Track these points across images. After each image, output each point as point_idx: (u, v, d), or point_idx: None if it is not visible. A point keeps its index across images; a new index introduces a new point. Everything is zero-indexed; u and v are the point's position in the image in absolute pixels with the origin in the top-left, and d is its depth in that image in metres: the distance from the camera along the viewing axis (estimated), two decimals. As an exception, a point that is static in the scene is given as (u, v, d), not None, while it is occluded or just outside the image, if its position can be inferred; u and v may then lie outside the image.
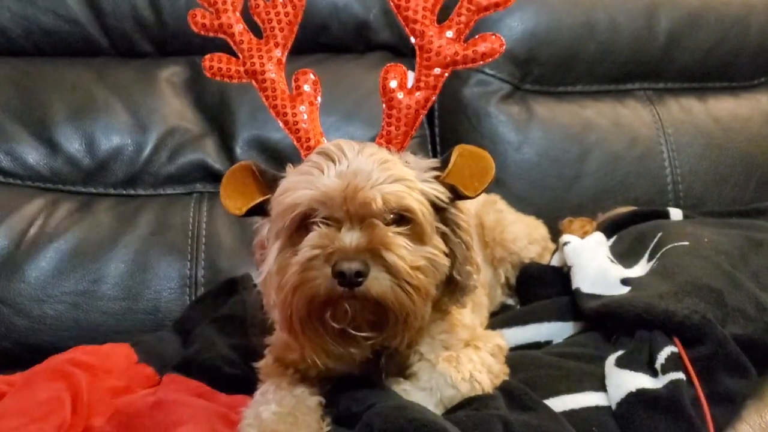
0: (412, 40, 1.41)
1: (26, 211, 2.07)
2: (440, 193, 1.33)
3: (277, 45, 1.46)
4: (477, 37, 1.39)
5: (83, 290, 2.00)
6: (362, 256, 1.22)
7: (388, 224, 1.27)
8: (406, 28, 1.41)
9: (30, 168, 2.14)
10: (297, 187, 1.29)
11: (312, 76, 1.46)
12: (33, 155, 2.15)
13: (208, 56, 1.49)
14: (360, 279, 1.21)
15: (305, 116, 1.43)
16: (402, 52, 2.46)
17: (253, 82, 1.47)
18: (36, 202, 2.10)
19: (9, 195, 2.09)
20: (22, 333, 1.96)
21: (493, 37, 1.38)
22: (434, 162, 1.37)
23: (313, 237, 1.25)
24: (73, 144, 2.17)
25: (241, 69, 1.47)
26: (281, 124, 1.44)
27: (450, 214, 1.37)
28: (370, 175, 1.26)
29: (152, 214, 2.13)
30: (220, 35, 1.49)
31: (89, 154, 2.18)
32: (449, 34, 1.39)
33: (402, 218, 1.28)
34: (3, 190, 2.10)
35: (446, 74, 1.40)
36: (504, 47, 1.38)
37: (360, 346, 1.31)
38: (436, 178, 1.34)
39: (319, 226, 1.26)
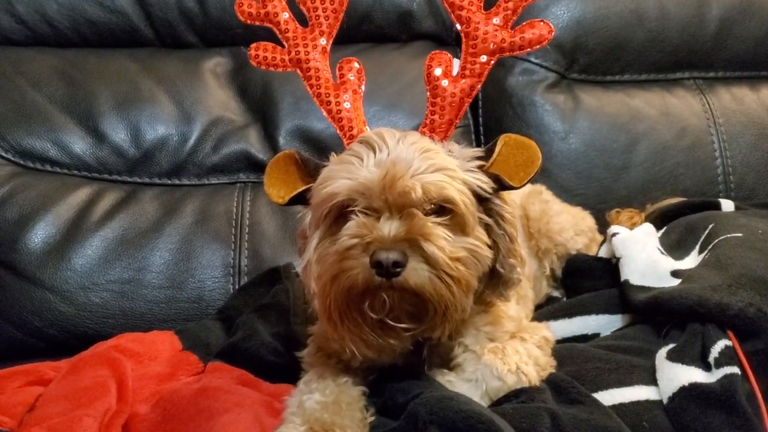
0: (458, 26, 1.39)
1: (73, 200, 2.09)
2: (483, 183, 1.31)
3: (322, 33, 1.45)
4: (525, 23, 1.37)
5: (128, 278, 2.02)
6: (401, 246, 1.21)
7: (428, 214, 1.25)
8: (452, 15, 1.39)
9: (77, 157, 2.16)
10: (336, 177, 1.28)
11: (356, 65, 1.46)
12: (80, 145, 2.17)
13: (253, 45, 1.49)
14: (398, 269, 1.20)
15: (348, 105, 1.42)
16: (446, 41, 2.45)
17: (298, 70, 1.46)
18: (82, 191, 2.12)
19: (56, 184, 2.11)
20: (68, 320, 1.98)
21: (542, 23, 1.37)
22: (478, 151, 1.35)
23: (351, 226, 1.24)
24: (118, 134, 2.19)
25: (286, 58, 1.47)
26: (324, 113, 1.44)
27: (494, 205, 1.34)
28: (410, 164, 1.25)
29: (196, 204, 2.15)
30: (266, 24, 1.49)
31: (135, 144, 2.19)
32: (496, 20, 1.37)
33: (443, 208, 1.26)
34: (50, 179, 2.12)
35: (492, 62, 1.38)
36: (553, 34, 1.37)
37: (399, 337, 1.29)
38: (480, 167, 1.32)
39: (357, 216, 1.25)
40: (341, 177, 1.27)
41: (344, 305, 1.26)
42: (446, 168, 1.27)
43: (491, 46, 1.36)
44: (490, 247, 1.32)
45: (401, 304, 1.24)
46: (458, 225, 1.27)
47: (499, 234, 1.34)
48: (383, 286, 1.22)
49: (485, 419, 1.16)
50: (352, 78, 1.45)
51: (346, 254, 1.23)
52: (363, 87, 1.46)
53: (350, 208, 1.27)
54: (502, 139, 1.34)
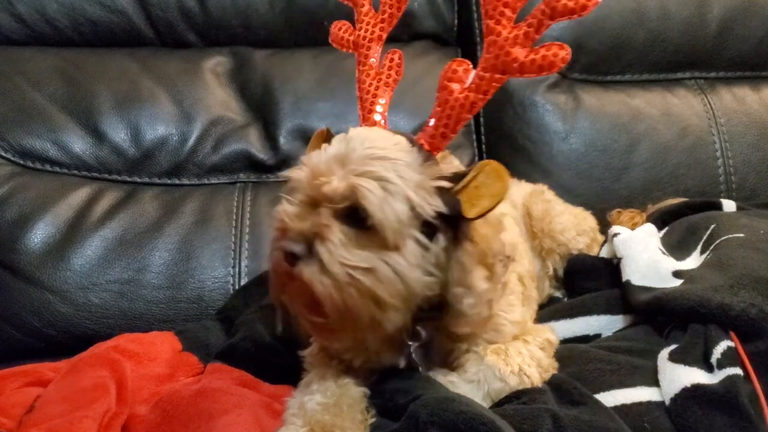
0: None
1: (72, 199, 2.09)
2: (430, 205, 1.24)
3: (383, 21, 1.45)
4: (541, 46, 1.24)
5: (128, 279, 2.01)
6: (303, 239, 1.22)
7: (346, 220, 1.23)
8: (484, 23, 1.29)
9: (76, 157, 2.15)
10: (301, 162, 1.31)
11: (397, 58, 1.45)
12: (79, 144, 2.16)
13: (335, 22, 1.50)
14: (296, 260, 1.22)
15: (383, 101, 1.43)
16: (447, 41, 2.46)
17: (356, 54, 1.46)
18: (82, 191, 2.11)
19: (55, 184, 2.11)
20: (67, 321, 1.97)
21: (558, 48, 1.22)
22: (448, 173, 1.28)
23: (278, 210, 1.28)
24: (118, 134, 2.18)
25: (351, 39, 1.47)
26: (359, 101, 1.44)
27: (460, 232, 1.28)
28: (347, 166, 1.23)
29: (196, 204, 2.14)
30: (348, 3, 1.50)
31: (134, 143, 2.19)
32: (515, 37, 1.25)
33: (365, 218, 1.23)
34: (50, 178, 2.12)
35: (503, 80, 1.27)
36: (566, 61, 1.23)
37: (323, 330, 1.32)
38: (450, 189, 1.26)
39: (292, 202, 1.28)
40: (299, 164, 1.30)
41: (275, 286, 1.30)
42: (384, 179, 1.23)
43: (502, 65, 1.26)
44: (433, 273, 1.28)
45: (303, 295, 1.25)
46: (378, 238, 1.23)
47: (453, 261, 1.28)
48: (289, 274, 1.24)
49: (486, 421, 1.15)
50: (391, 71, 1.44)
51: (275, 236, 1.27)
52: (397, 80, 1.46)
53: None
54: (483, 167, 1.26)
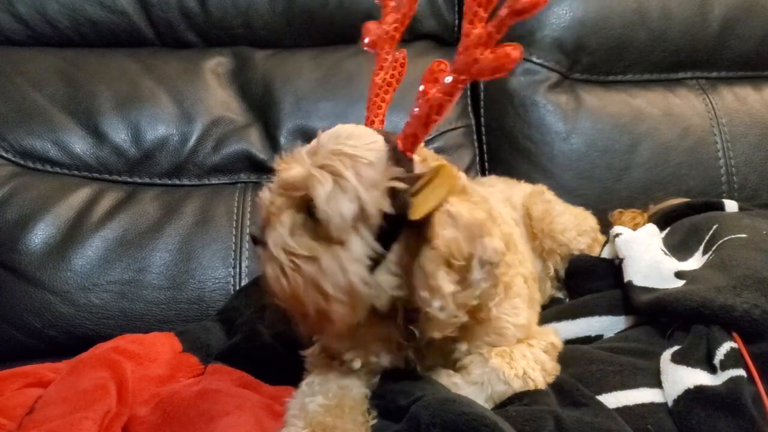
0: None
1: (73, 200, 2.08)
2: (377, 204, 1.22)
3: (397, 20, 1.44)
4: (498, 47, 1.17)
5: (128, 279, 2.01)
6: (262, 224, 1.28)
7: (298, 206, 1.26)
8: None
9: (77, 157, 2.15)
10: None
11: (402, 58, 1.44)
12: (80, 145, 2.15)
13: (366, 23, 1.49)
14: (257, 244, 1.27)
15: (383, 99, 1.43)
16: (447, 41, 2.45)
17: (374, 53, 1.46)
18: (82, 191, 2.11)
19: (56, 184, 2.10)
20: (68, 321, 1.97)
21: (511, 49, 1.16)
22: (406, 174, 1.26)
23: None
24: (119, 134, 2.18)
25: (373, 39, 1.47)
26: (368, 101, 1.44)
27: (421, 233, 1.25)
28: (313, 158, 1.25)
29: (197, 204, 2.14)
30: (379, 2, 1.49)
31: (135, 144, 2.18)
32: (481, 38, 1.18)
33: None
34: (50, 179, 2.11)
35: (466, 81, 1.23)
36: (516, 63, 1.17)
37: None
38: (406, 190, 1.23)
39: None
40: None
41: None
42: (339, 175, 1.22)
43: (464, 66, 1.20)
44: (397, 274, 1.26)
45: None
46: (324, 231, 1.23)
47: (415, 265, 1.25)
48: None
49: (489, 422, 1.15)
50: (396, 72, 1.45)
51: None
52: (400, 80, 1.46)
53: None
54: (438, 169, 1.24)
